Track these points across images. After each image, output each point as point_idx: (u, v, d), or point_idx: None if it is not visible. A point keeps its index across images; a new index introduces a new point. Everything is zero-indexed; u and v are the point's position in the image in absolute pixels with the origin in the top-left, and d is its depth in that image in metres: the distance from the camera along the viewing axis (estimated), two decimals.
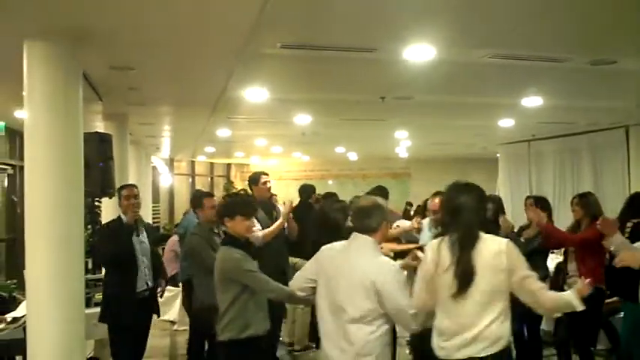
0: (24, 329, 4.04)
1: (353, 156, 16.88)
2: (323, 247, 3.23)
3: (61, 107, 3.78)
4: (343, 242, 3.15)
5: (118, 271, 4.63)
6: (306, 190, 7.28)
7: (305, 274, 3.24)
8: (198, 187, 17.10)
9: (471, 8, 3.70)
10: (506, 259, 2.76)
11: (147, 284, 4.79)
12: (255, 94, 6.33)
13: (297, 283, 3.27)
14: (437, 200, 5.01)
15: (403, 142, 12.89)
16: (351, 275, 2.94)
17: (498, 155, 13.34)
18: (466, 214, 2.84)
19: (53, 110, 3.76)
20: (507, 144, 12.65)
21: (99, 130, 6.42)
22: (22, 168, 8.51)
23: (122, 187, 5.00)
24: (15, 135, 8.51)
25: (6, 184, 8.77)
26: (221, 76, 5.30)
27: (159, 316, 5.29)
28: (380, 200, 3.19)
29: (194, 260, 4.96)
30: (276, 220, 5.49)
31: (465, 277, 2.73)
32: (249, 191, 5.82)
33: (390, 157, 17.51)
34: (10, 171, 8.67)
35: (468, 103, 7.34)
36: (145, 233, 4.93)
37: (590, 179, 10.05)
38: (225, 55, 4.55)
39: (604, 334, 5.83)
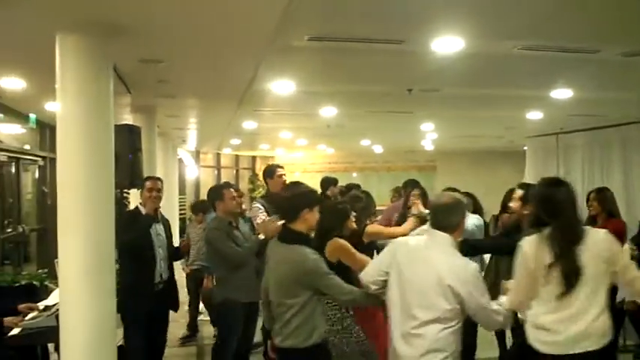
0: (56, 317, 4.12)
1: (378, 148, 16.83)
2: (397, 240, 3.18)
3: (92, 100, 3.84)
4: (418, 237, 3.12)
5: (133, 261, 4.67)
6: (325, 183, 7.26)
7: (379, 266, 3.15)
8: (224, 179, 17.21)
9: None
10: (608, 249, 2.81)
11: (161, 276, 4.83)
12: (281, 86, 6.35)
13: (371, 275, 3.15)
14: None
15: (429, 135, 12.81)
16: (427, 273, 2.89)
17: (525, 148, 13.18)
18: (568, 209, 2.87)
19: (85, 103, 3.82)
20: (535, 137, 12.48)
21: (128, 122, 6.49)
22: (52, 160, 8.72)
23: (147, 179, 5.06)
24: (45, 127, 8.65)
25: (37, 175, 8.93)
26: (248, 68, 5.32)
27: (176, 310, 5.24)
28: (460, 196, 3.17)
29: (215, 255, 4.94)
30: None
31: (573, 272, 2.74)
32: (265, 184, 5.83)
33: (415, 150, 17.42)
34: (41, 162, 8.83)
35: (495, 95, 7.25)
36: (162, 226, 4.99)
37: (620, 173, 9.86)
38: (253, 47, 4.56)
39: (633, 330, 5.76)
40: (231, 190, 5.11)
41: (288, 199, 3.50)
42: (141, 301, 4.57)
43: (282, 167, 5.76)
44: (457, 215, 3.01)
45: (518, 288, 2.94)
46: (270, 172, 5.65)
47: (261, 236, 4.79)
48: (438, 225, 2.98)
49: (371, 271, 3.18)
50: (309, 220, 3.35)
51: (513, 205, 4.18)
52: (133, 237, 4.64)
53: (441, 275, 2.83)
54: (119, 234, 4.62)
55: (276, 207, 3.63)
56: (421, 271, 2.91)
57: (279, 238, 3.42)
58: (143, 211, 4.85)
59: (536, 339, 2.85)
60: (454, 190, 5.63)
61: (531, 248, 2.87)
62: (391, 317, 3.04)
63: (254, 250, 4.83)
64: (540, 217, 2.96)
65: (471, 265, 2.92)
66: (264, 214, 5.35)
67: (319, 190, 7.12)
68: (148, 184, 4.90)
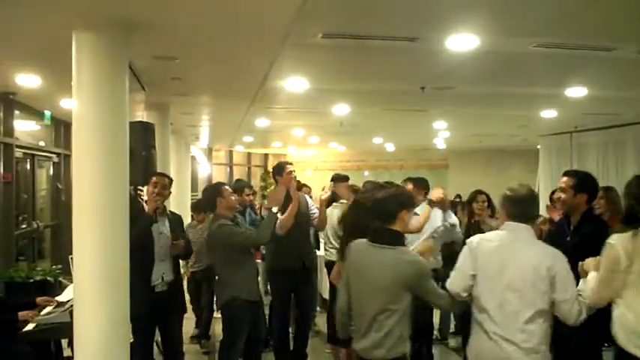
0: (70, 313, 4.15)
1: (390, 147, 16.81)
2: (473, 242, 3.07)
3: (108, 97, 3.85)
4: (496, 234, 3.05)
5: (130, 260, 4.21)
6: (336, 179, 7.24)
7: (465, 271, 3.02)
8: (237, 176, 17.26)
9: None
10: None
11: (162, 277, 4.59)
12: (295, 83, 6.35)
13: (458, 284, 3.03)
14: (410, 186, 5.44)
15: (442, 133, 12.77)
16: (522, 266, 2.83)
17: (539, 147, 13.10)
18: None
19: (100, 100, 3.83)
20: (549, 135, 12.41)
21: (142, 119, 6.52)
22: (66, 156, 8.79)
23: (153, 174, 4.97)
24: (60, 124, 8.72)
25: (51, 171, 9.00)
26: (262, 66, 5.33)
27: (183, 313, 5.04)
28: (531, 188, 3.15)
29: (221, 253, 4.80)
30: (305, 214, 5.51)
31: None
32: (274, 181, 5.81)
33: (427, 148, 17.37)
34: (56, 159, 8.89)
35: (510, 93, 7.21)
36: (168, 224, 4.77)
37: (635, 172, 9.75)
38: (267, 45, 4.57)
39: None
40: (227, 186, 5.00)
41: (385, 200, 3.26)
42: (137, 302, 4.22)
43: (291, 164, 5.72)
44: (536, 206, 3.08)
45: (601, 286, 2.82)
46: (280, 169, 5.58)
47: (275, 209, 4.77)
48: (520, 217, 2.94)
49: (457, 279, 3.05)
50: (406, 220, 3.22)
51: (563, 195, 3.79)
52: (132, 236, 4.30)
53: (539, 263, 2.80)
54: None
55: (371, 209, 3.29)
56: (516, 264, 2.85)
57: (372, 239, 3.17)
58: (146, 208, 4.66)
59: (633, 344, 2.73)
60: (481, 192, 5.67)
61: (625, 246, 2.75)
62: (480, 319, 2.96)
63: (272, 224, 4.76)
64: (634, 215, 2.87)
65: (562, 254, 2.87)
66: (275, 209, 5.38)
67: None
68: (153, 178, 4.75)
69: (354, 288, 3.23)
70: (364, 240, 3.22)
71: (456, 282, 3.05)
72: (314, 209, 5.64)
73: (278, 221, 4.95)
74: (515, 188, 3.06)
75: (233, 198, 4.88)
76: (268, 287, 6.63)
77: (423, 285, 3.07)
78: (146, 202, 4.73)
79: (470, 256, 3.02)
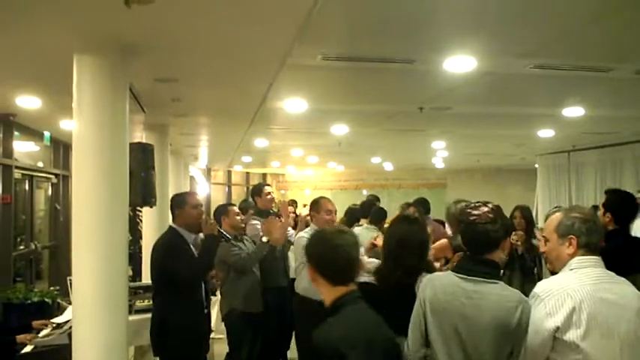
0: (68, 335, 4.13)
1: (389, 166, 16.83)
2: (566, 285, 2.34)
3: (108, 119, 3.87)
4: (584, 272, 2.38)
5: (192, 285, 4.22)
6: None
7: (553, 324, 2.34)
8: (235, 196, 17.25)
9: (514, 19, 3.66)
10: None
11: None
12: (294, 104, 6.39)
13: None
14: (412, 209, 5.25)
15: (440, 153, 12.81)
16: (626, 317, 2.29)
17: (537, 166, 13.14)
18: None
19: (101, 122, 3.85)
20: (547, 154, 12.46)
21: (141, 141, 6.54)
22: (65, 177, 8.80)
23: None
24: (59, 145, 8.73)
25: (50, 192, 8.99)
26: (262, 87, 5.36)
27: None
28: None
29: (222, 266, 5.00)
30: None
31: None
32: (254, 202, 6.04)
33: (426, 168, 17.42)
34: (54, 180, 8.89)
35: (507, 113, 7.26)
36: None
37: (633, 191, 9.79)
38: (267, 67, 4.60)
39: None
40: (235, 207, 5.33)
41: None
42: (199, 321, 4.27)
43: (269, 185, 6.29)
44: None
45: None
46: (258, 190, 6.04)
47: (265, 239, 4.96)
48: (596, 248, 2.46)
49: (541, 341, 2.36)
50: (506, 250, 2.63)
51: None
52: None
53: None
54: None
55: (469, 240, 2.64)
56: (618, 315, 2.29)
57: (465, 271, 2.55)
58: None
59: None
60: (461, 200, 5.65)
61: None
62: None
63: (260, 254, 4.99)
64: None
65: None
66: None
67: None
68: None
69: (437, 334, 2.55)
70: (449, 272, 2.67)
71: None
72: (290, 230, 5.91)
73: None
74: (589, 212, 2.58)
75: (238, 218, 5.07)
76: None
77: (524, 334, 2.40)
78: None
79: (568, 305, 2.30)
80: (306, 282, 4.41)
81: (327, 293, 2.28)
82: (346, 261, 2.28)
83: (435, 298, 2.55)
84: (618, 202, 4.07)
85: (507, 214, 5.63)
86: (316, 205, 4.99)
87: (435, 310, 2.54)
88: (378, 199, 7.64)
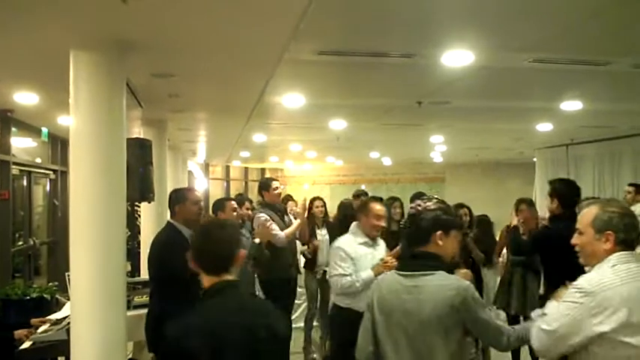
0: (67, 331, 4.13)
1: (387, 161, 16.84)
2: (609, 282, 2.25)
3: (105, 114, 3.86)
4: (627, 267, 2.30)
5: None
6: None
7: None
8: (233, 191, 17.25)
9: (512, 13, 3.66)
10: None
11: None
12: (292, 100, 6.38)
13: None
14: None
15: (438, 147, 12.81)
16: None
17: (535, 160, 13.14)
18: None
19: (98, 118, 3.84)
20: (545, 148, 12.47)
21: (139, 136, 6.52)
22: (63, 173, 8.79)
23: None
24: (57, 140, 8.71)
25: (48, 188, 8.98)
26: (259, 82, 5.35)
27: None
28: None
29: None
30: (286, 224, 5.96)
31: None
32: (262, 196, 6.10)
33: (424, 162, 17.42)
34: (52, 176, 8.88)
35: (505, 107, 7.26)
36: None
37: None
38: (265, 62, 4.59)
39: None
40: (233, 202, 5.32)
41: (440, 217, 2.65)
42: None
43: (277, 180, 6.22)
44: None
45: None
46: (266, 185, 6.05)
47: (257, 240, 4.96)
48: (633, 243, 2.40)
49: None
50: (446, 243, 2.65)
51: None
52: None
53: None
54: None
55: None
56: None
57: (403, 267, 2.64)
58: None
59: None
60: (462, 205, 5.68)
61: None
62: None
63: (249, 255, 4.96)
64: None
65: None
66: (274, 222, 5.63)
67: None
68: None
69: (384, 333, 2.61)
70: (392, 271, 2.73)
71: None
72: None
73: (283, 233, 5.58)
74: (621, 203, 2.54)
75: (235, 214, 5.06)
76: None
77: (476, 318, 2.48)
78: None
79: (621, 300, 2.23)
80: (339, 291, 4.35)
81: (203, 281, 2.43)
82: (217, 254, 2.40)
83: (381, 298, 2.64)
84: (564, 189, 4.50)
85: (505, 206, 5.68)
86: (364, 208, 4.42)
87: (381, 309, 2.62)
88: (365, 194, 7.44)
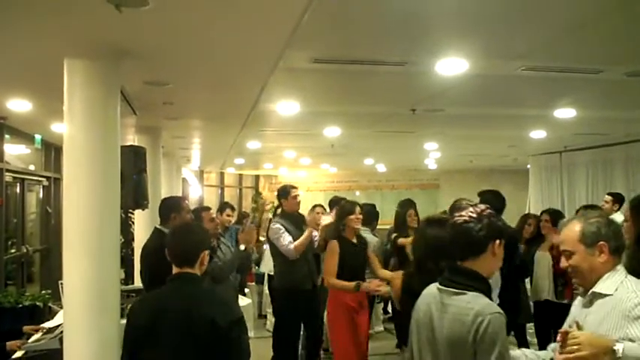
0: (60, 339, 4.10)
1: (381, 167, 16.85)
2: None
3: (99, 122, 3.85)
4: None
5: None
6: (333, 202, 7.33)
7: None
8: (227, 198, 17.22)
9: (505, 22, 3.68)
10: None
11: None
12: (286, 107, 6.38)
13: None
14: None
15: (433, 154, 12.84)
16: None
17: (529, 166, 13.19)
18: None
19: (92, 125, 3.83)
20: (539, 155, 12.51)
21: (133, 143, 6.51)
22: (56, 180, 8.75)
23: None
24: (50, 147, 8.68)
25: (41, 195, 8.94)
26: (254, 90, 5.35)
27: None
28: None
29: None
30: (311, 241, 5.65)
31: None
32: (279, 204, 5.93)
33: (418, 169, 17.44)
34: (45, 183, 8.84)
35: (499, 114, 7.28)
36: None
37: (624, 191, 9.86)
38: (259, 71, 4.59)
39: None
40: (210, 212, 5.32)
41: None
42: None
43: (296, 187, 5.95)
44: None
45: None
46: (285, 192, 5.82)
47: (242, 247, 4.92)
48: (621, 252, 2.36)
49: None
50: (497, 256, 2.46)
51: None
52: None
53: None
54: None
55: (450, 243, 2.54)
56: None
57: (443, 281, 2.46)
58: None
59: None
60: (462, 199, 5.64)
61: None
62: None
63: (234, 263, 4.93)
64: None
65: None
66: (286, 233, 5.51)
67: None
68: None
69: (416, 344, 2.56)
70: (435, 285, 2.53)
71: None
72: (315, 234, 5.76)
73: (293, 246, 5.42)
74: (599, 211, 2.51)
75: (212, 224, 5.03)
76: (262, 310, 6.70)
77: (496, 351, 2.21)
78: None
79: None
80: None
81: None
82: (180, 249, 2.84)
83: (417, 308, 2.56)
84: (491, 198, 4.76)
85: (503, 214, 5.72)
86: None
87: (415, 319, 2.56)
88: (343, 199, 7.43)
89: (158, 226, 4.57)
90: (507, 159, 13.54)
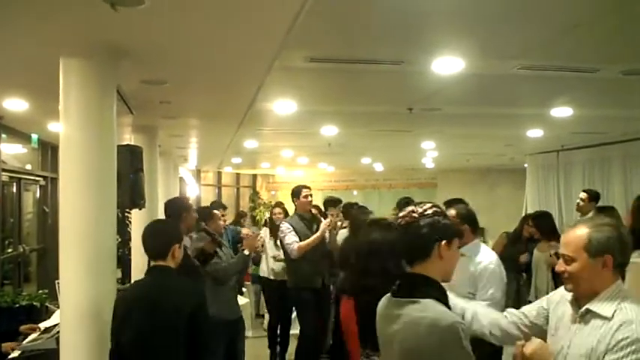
0: (56, 339, 4.09)
1: (379, 167, 16.85)
2: None
3: (95, 121, 3.84)
4: None
5: None
6: (327, 202, 7.39)
7: None
8: (225, 197, 17.22)
9: (502, 21, 3.69)
10: None
11: None
12: (283, 106, 6.38)
13: None
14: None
15: (430, 153, 12.84)
16: None
17: (526, 165, 13.20)
18: None
19: (88, 124, 3.82)
20: (536, 154, 12.52)
21: (129, 142, 6.50)
22: (53, 179, 8.73)
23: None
24: (47, 147, 8.66)
25: (38, 195, 8.92)
26: (251, 89, 5.35)
27: None
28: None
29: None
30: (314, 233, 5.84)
31: None
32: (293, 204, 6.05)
33: (416, 168, 17.44)
34: (42, 182, 8.82)
35: (496, 114, 7.29)
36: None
37: (621, 190, 9.89)
38: (255, 70, 4.59)
39: None
40: (222, 211, 5.53)
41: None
42: None
43: (308, 188, 6.18)
44: None
45: None
46: (297, 192, 6.07)
47: (246, 252, 4.96)
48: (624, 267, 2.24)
49: None
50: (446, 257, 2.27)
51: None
52: None
53: None
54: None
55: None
56: None
57: (394, 290, 2.31)
58: None
59: None
60: (459, 200, 5.65)
61: None
62: None
63: (239, 266, 5.00)
64: None
65: None
66: (293, 233, 5.60)
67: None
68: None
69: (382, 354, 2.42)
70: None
71: None
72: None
73: (297, 245, 5.58)
74: (612, 221, 2.24)
75: (221, 223, 5.12)
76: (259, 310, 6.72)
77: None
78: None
79: None
80: None
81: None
82: (152, 244, 3.29)
83: (377, 321, 2.39)
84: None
85: (497, 212, 5.76)
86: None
87: (378, 334, 2.39)
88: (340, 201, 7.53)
89: None
90: (504, 158, 13.56)
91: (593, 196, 7.10)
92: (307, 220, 5.97)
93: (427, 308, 2.08)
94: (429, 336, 2.03)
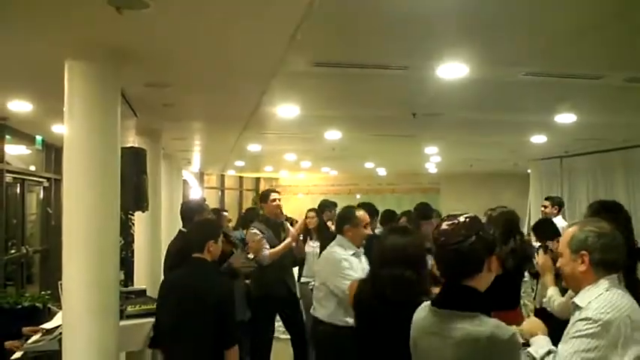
0: (59, 341, 4.10)
1: (382, 171, 16.85)
2: None
3: (100, 124, 3.86)
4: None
5: None
6: (322, 206, 7.36)
7: None
8: (227, 200, 17.23)
9: (506, 27, 3.69)
10: None
11: None
12: (287, 110, 6.39)
13: None
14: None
15: (433, 158, 12.84)
16: None
17: (529, 171, 13.18)
18: None
19: (92, 127, 3.83)
20: (539, 160, 12.51)
21: (133, 145, 6.52)
22: (57, 181, 8.76)
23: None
24: (51, 148, 8.69)
25: (41, 196, 8.95)
26: (255, 93, 5.36)
27: None
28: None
29: None
30: (284, 240, 5.66)
31: None
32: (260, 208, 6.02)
33: (419, 173, 17.43)
34: (46, 184, 8.85)
35: (500, 119, 7.28)
36: None
37: (624, 196, 9.86)
38: (260, 74, 4.60)
39: None
40: (227, 214, 5.36)
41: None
42: None
43: (277, 192, 5.98)
44: None
45: None
46: (265, 196, 5.89)
47: (251, 256, 4.96)
48: (615, 265, 2.33)
49: None
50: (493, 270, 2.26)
51: None
52: None
53: None
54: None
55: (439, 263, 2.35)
56: None
57: (437, 303, 2.26)
58: None
59: None
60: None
61: None
62: None
63: (247, 270, 5.04)
64: None
65: None
66: (265, 240, 5.53)
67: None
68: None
69: None
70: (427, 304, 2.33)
71: None
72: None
73: (268, 252, 5.40)
74: (600, 223, 2.35)
75: (229, 226, 5.19)
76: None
77: None
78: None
79: None
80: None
81: None
82: (190, 239, 3.89)
83: (413, 328, 2.38)
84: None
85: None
86: (354, 218, 4.37)
87: (412, 340, 2.38)
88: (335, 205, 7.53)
89: (182, 229, 4.72)
90: (508, 164, 13.54)
91: (557, 202, 7.65)
92: (275, 225, 5.76)
93: (484, 322, 2.08)
94: (491, 350, 2.04)
